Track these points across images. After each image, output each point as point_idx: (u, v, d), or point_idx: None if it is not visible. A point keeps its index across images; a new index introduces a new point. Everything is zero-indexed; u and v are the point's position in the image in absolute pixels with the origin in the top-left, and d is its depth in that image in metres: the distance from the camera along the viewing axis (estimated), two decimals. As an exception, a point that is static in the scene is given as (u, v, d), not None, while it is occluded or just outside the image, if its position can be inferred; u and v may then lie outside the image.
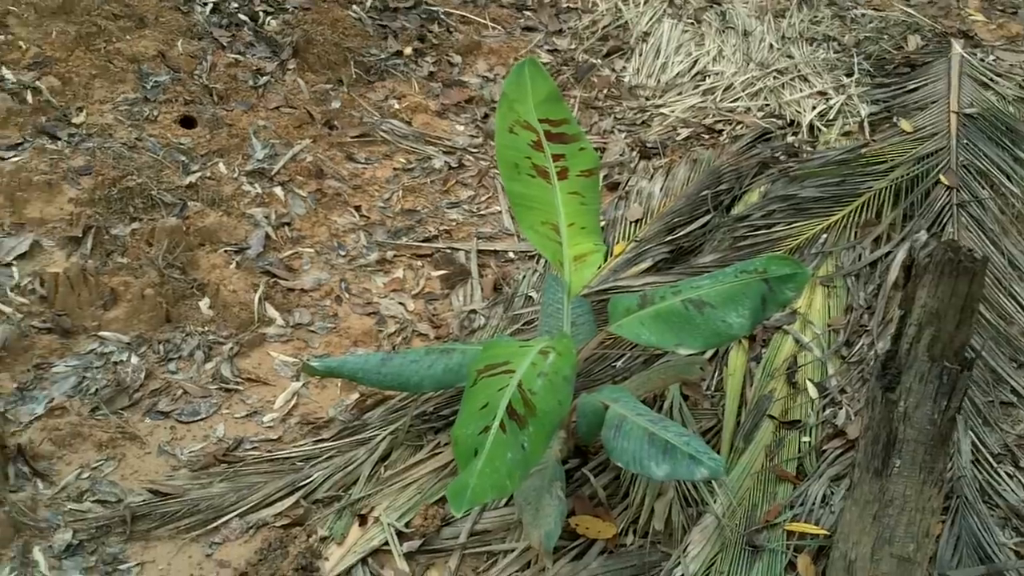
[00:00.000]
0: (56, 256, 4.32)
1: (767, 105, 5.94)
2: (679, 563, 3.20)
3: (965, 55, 6.06)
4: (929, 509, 2.92)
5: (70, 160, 4.73)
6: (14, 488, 3.48)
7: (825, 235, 4.67)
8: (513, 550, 3.33)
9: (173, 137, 5.12)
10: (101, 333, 4.09)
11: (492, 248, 4.93)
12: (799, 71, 6.28)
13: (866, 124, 5.62)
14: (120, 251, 4.36)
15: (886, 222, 4.71)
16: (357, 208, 5.06)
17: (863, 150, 5.23)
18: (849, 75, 6.22)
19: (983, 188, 4.88)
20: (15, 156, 4.69)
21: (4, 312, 4.02)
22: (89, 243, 4.35)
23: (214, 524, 3.45)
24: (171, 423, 3.85)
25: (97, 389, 3.88)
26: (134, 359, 4.02)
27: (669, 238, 4.68)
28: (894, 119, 5.58)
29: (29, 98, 5.00)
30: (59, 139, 4.87)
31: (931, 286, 2.73)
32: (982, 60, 6.12)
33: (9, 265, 4.23)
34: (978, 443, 3.70)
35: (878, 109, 5.79)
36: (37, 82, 5.09)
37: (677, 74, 6.39)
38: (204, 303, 4.29)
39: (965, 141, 5.16)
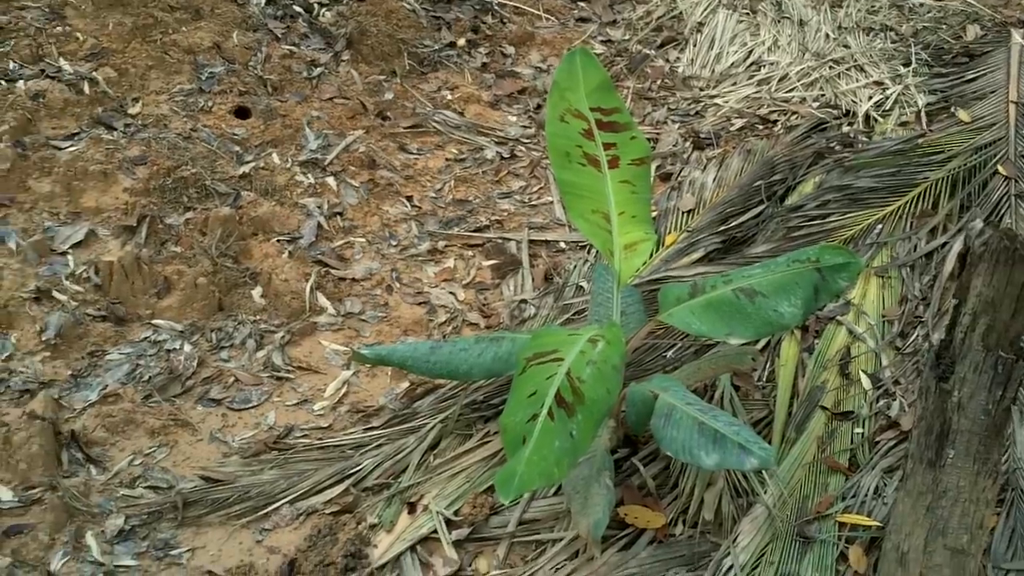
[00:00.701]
0: (111, 245, 4.36)
1: (822, 95, 5.89)
2: (729, 553, 3.17)
3: (1025, 44, 5.99)
4: (983, 500, 2.88)
5: (126, 150, 4.77)
6: (67, 474, 3.51)
7: (880, 225, 4.62)
8: (561, 539, 3.32)
9: (227, 128, 5.15)
10: (154, 321, 4.12)
11: (543, 238, 4.92)
12: (855, 61, 6.22)
13: (923, 114, 5.56)
14: (174, 240, 4.40)
15: (942, 213, 4.66)
16: (409, 198, 5.07)
17: (920, 140, 5.17)
18: (906, 65, 6.15)
19: (1042, 179, 4.82)
20: (72, 146, 4.73)
21: (59, 300, 4.07)
22: (144, 232, 4.39)
23: (264, 511, 3.47)
24: (223, 410, 3.87)
25: (150, 376, 3.91)
26: (187, 347, 4.05)
27: (721, 228, 4.65)
28: (952, 109, 5.51)
29: (86, 89, 5.06)
30: (115, 129, 4.92)
31: (986, 275, 2.69)
32: (1043, 49, 6.04)
33: (65, 254, 4.28)
34: (1034, 435, 3.65)
35: (935, 99, 5.73)
36: (94, 73, 5.14)
37: (731, 64, 6.36)
38: (256, 292, 4.31)
39: (1024, 131, 5.10)
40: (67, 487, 3.42)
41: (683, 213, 4.93)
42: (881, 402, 3.78)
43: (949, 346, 2.79)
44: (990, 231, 2.72)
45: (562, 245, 4.89)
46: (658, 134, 5.69)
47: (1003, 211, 4.60)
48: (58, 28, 5.32)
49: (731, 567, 3.12)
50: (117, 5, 5.50)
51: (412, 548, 3.32)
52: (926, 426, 2.88)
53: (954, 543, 2.90)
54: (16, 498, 3.36)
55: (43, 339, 3.92)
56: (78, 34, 5.32)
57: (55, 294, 4.08)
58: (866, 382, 3.87)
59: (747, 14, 6.83)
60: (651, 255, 4.34)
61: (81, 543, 3.30)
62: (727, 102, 5.98)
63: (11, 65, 5.07)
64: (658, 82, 6.24)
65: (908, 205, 4.71)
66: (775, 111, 5.82)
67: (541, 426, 2.73)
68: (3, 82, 4.95)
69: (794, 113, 5.76)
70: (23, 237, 4.27)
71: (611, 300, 3.47)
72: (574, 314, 4.26)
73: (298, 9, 6.10)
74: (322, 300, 4.38)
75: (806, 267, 3.21)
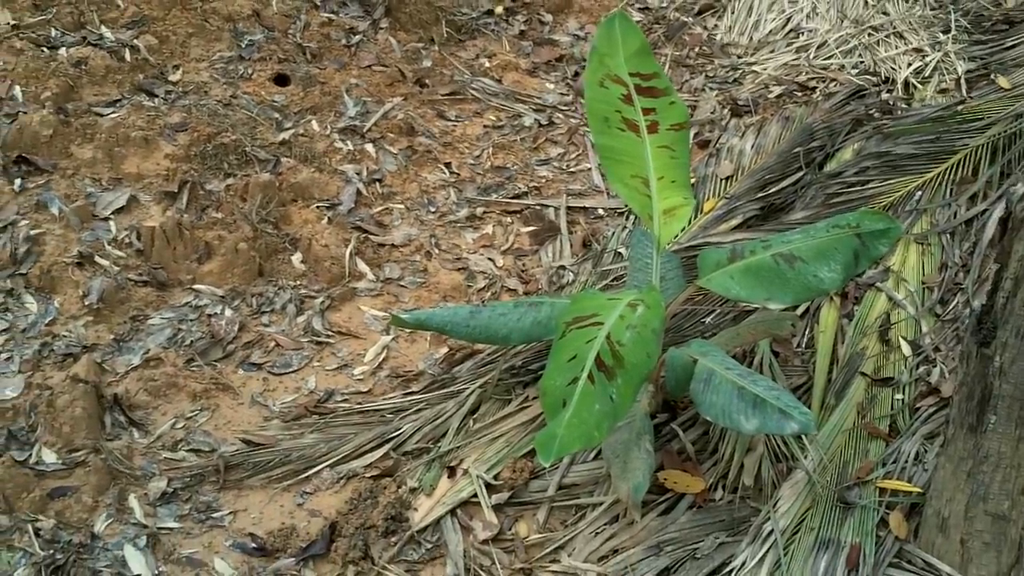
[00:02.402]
0: (152, 210, 4.39)
1: (861, 62, 5.85)
2: (769, 518, 3.18)
3: (1067, 10, 5.93)
4: (1024, 466, 2.89)
5: (167, 117, 4.80)
6: (111, 437, 3.55)
7: (920, 192, 4.60)
8: (601, 503, 3.34)
9: (267, 95, 5.17)
10: (196, 286, 4.15)
11: (581, 205, 4.92)
12: (894, 28, 6.17)
13: (963, 81, 5.51)
14: (215, 206, 4.42)
15: (982, 179, 4.62)
16: (447, 165, 5.08)
17: (959, 107, 5.13)
18: (946, 32, 6.10)
19: (1083, 145, 4.78)
20: (113, 113, 4.76)
21: (102, 265, 4.10)
22: (185, 198, 4.42)
23: (305, 474, 3.50)
24: (264, 375, 3.90)
25: (192, 341, 3.94)
26: (228, 312, 4.08)
27: (760, 195, 4.64)
28: (991, 76, 5.46)
29: (127, 56, 5.08)
30: (156, 96, 4.95)
31: (1028, 238, 2.68)
32: (1085, 15, 5.98)
33: (107, 219, 4.31)
34: (1075, 402, 3.63)
35: (975, 66, 5.68)
36: (135, 40, 5.17)
37: (769, 32, 6.32)
38: (296, 257, 4.34)
39: (1065, 97, 5.05)
40: (110, 450, 3.45)
41: (721, 180, 4.92)
42: (921, 368, 3.77)
43: (991, 311, 2.79)
44: (1033, 195, 2.71)
45: (600, 212, 4.88)
46: (696, 101, 5.68)
47: (1044, 177, 4.57)
48: (99, -4, 5.35)
49: (771, 532, 3.13)
50: (158, -27, 5.52)
51: (452, 512, 3.34)
52: (967, 391, 2.88)
53: (995, 509, 2.90)
54: (60, 461, 3.40)
55: (86, 304, 3.96)
56: (119, 2, 5.34)
57: (97, 259, 4.12)
58: (906, 348, 3.86)
59: (786, -20, 6.78)
60: (690, 221, 4.34)
61: (124, 505, 3.34)
62: (765, 69, 5.95)
63: (53, 32, 5.11)
64: (696, 49, 6.22)
65: (948, 172, 4.68)
66: (813, 78, 5.79)
67: (581, 389, 2.74)
68: (46, 49, 4.99)
69: (833, 80, 5.72)
70: (66, 203, 4.30)
71: (650, 265, 3.48)
72: (612, 280, 4.27)
73: (336, -24, 6.11)
74: (361, 266, 4.39)
75: (846, 232, 3.20)
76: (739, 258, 3.26)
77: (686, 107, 3.32)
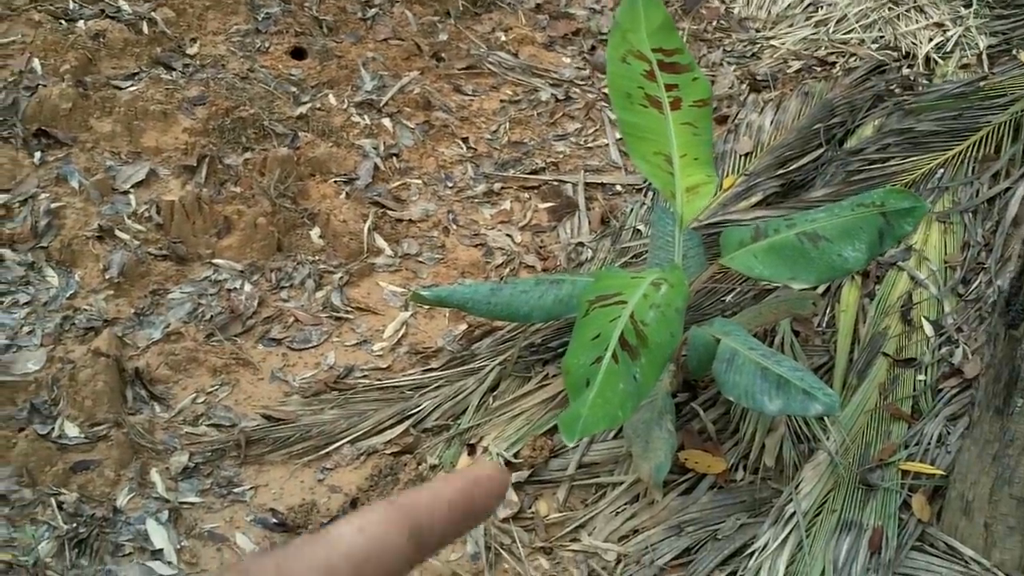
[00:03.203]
0: (172, 184, 4.38)
1: (882, 37, 5.81)
2: (791, 500, 3.17)
3: (1090, -14, 5.88)
4: (1050, 450, 2.88)
5: (185, 90, 4.79)
6: (132, 411, 3.55)
7: (942, 170, 4.57)
8: (622, 483, 3.34)
9: (284, 68, 5.16)
10: (215, 260, 4.15)
11: (599, 181, 4.90)
12: (915, 2, 6.13)
13: (985, 56, 5.48)
14: (233, 180, 4.41)
15: (1005, 157, 4.59)
16: (464, 140, 5.06)
17: (982, 83, 5.09)
18: (967, 6, 6.05)
19: (1106, 123, 4.75)
20: (132, 86, 4.75)
21: (122, 239, 4.10)
22: (203, 172, 4.40)
23: (326, 450, 3.51)
24: (283, 350, 3.90)
25: (212, 315, 3.94)
26: (247, 287, 4.08)
27: (780, 172, 4.61)
28: (1014, 51, 5.43)
29: (145, 29, 5.07)
30: (174, 70, 4.93)
31: (1059, 220, 2.67)
32: (1108, -9, 5.94)
33: (127, 193, 4.31)
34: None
35: (997, 41, 5.64)
36: (152, 13, 5.15)
37: (788, 5, 6.28)
38: (315, 232, 4.33)
39: (1088, 74, 5.02)
40: (132, 424, 3.46)
41: (740, 156, 4.89)
42: (943, 349, 3.76)
43: (1019, 292, 2.77)
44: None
45: (618, 188, 4.87)
46: (714, 76, 5.65)
47: (1066, 156, 4.54)
48: (115, -32, 5.33)
49: (793, 513, 3.13)
50: (174, -55, 5.50)
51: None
52: (994, 374, 2.87)
53: (1021, 492, 2.89)
54: (82, 434, 3.41)
55: (106, 277, 3.95)
56: (136, -26, 5.33)
57: (117, 233, 4.11)
58: (928, 329, 3.84)
59: (805, -46, 6.74)
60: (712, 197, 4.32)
61: (146, 479, 3.35)
62: (784, 44, 5.91)
63: (71, 5, 5.09)
64: (714, 23, 6.18)
65: (970, 149, 4.65)
66: (833, 53, 5.75)
67: (605, 368, 2.73)
68: (64, 22, 4.97)
69: (853, 55, 5.69)
70: (85, 176, 4.29)
71: (672, 243, 3.46)
72: (631, 257, 4.26)
73: (352, -52, 6.08)
74: (379, 241, 4.38)
75: (871, 211, 3.17)
76: (763, 237, 3.24)
77: (708, 83, 3.30)
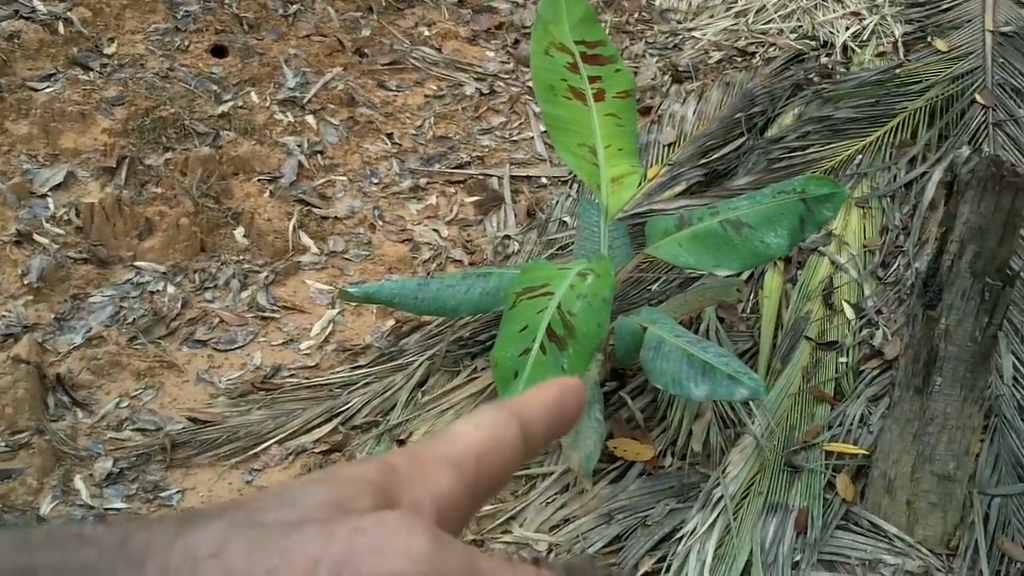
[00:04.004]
0: (91, 187, 4.33)
1: (800, 26, 5.87)
2: (718, 484, 3.21)
3: (1001, -27, 5.97)
4: (970, 427, 2.93)
5: (103, 91, 4.74)
6: (54, 417, 3.51)
7: (860, 156, 4.63)
8: (552, 473, 3.35)
9: (205, 67, 5.11)
10: (137, 263, 4.11)
11: (525, 174, 4.91)
12: (832, -8, 6.21)
13: (900, 44, 5.55)
14: (154, 181, 4.37)
15: (921, 142, 4.66)
16: (389, 135, 5.05)
17: (898, 70, 5.16)
18: (883, -5, 6.14)
19: (1019, 107, 4.82)
20: (48, 87, 4.69)
21: (41, 243, 4.05)
22: (123, 173, 4.36)
23: (253, 451, 3.49)
24: (208, 351, 3.87)
25: (134, 319, 3.90)
26: (170, 288, 4.04)
27: (703, 161, 4.64)
28: (928, 39, 5.50)
29: (61, 29, 5.00)
30: (91, 70, 4.87)
31: (974, 201, 2.71)
32: (1018, -23, 6.03)
33: (45, 196, 4.25)
34: (1018, 363, 3.68)
35: (912, 29, 5.71)
36: (68, 13, 5.08)
37: (709, -3, 6.34)
38: (239, 232, 4.30)
39: (1001, 60, 5.09)
40: (54, 431, 3.42)
41: (664, 147, 4.93)
42: (864, 331, 3.81)
43: (936, 274, 2.82)
44: (977, 158, 2.74)
45: (544, 180, 4.88)
46: (637, 68, 5.67)
47: (981, 140, 4.61)
48: (30, -32, 5.26)
49: (720, 497, 3.16)
50: (89, -56, 5.44)
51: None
52: (913, 354, 2.91)
53: (941, 469, 2.94)
54: (3, 443, 3.36)
55: (25, 283, 3.90)
56: (51, -27, 5.26)
57: (36, 237, 4.06)
58: (849, 312, 3.89)
59: (723, -55, 6.79)
60: (637, 187, 4.35)
61: (70, 487, 3.31)
62: (705, 35, 5.96)
63: (-16, 6, 5.02)
64: (635, 15, 6.21)
65: (887, 135, 4.72)
66: (753, 43, 5.80)
67: (533, 360, 2.74)
68: (-24, 24, 4.90)
69: (772, 45, 5.74)
70: (2, 180, 4.23)
71: (598, 234, 3.48)
72: (558, 249, 4.27)
73: (271, -54, 6.05)
74: (305, 239, 4.37)
75: (791, 198, 3.21)
76: (687, 225, 3.26)
77: (632, 74, 3.33)
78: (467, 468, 0.53)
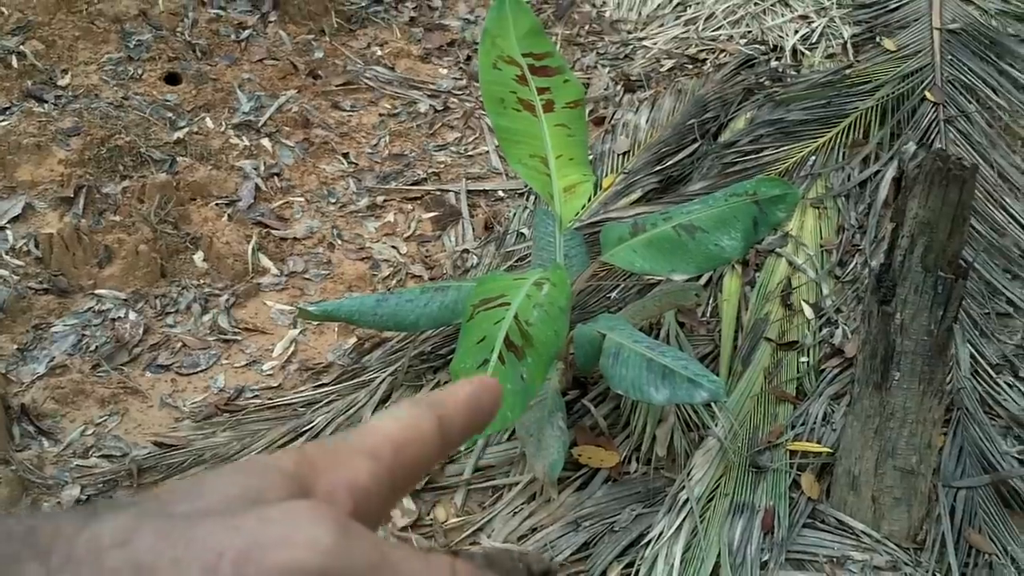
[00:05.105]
0: (49, 217, 4.32)
1: (749, 32, 5.92)
2: (683, 487, 3.22)
3: (946, -28, 6.04)
4: (930, 420, 2.96)
5: (58, 122, 4.73)
6: (20, 447, 3.50)
7: (814, 157, 4.67)
8: (518, 483, 3.36)
9: (159, 94, 5.11)
10: (98, 291, 4.10)
11: (481, 188, 4.93)
12: (780, -4, 6.26)
13: (849, 45, 5.61)
14: (112, 209, 4.36)
15: (874, 141, 4.71)
16: (345, 155, 5.06)
17: (847, 71, 5.22)
18: (831, -2, 6.20)
19: (969, 103, 4.88)
20: (3, 120, 4.68)
21: (1, 275, 4.04)
22: (81, 203, 4.35)
23: (220, 473, 3.47)
24: (172, 376, 3.87)
25: (97, 346, 3.90)
26: (132, 315, 4.04)
27: (658, 168, 4.67)
28: (877, 39, 5.56)
29: (14, 63, 4.99)
30: (46, 102, 4.87)
31: (922, 196, 2.75)
32: (963, -24, 6.10)
33: (3, 228, 4.24)
34: (976, 355, 3.73)
35: (860, 30, 5.77)
36: (21, 46, 5.07)
37: (658, 6, 6.37)
38: (198, 256, 4.30)
39: (949, 57, 5.15)
40: (20, 461, 3.41)
41: (619, 155, 4.96)
42: (824, 331, 3.85)
43: (889, 269, 2.85)
44: (924, 153, 2.78)
45: (500, 194, 4.90)
46: (589, 79, 5.71)
47: (933, 137, 4.66)
48: (-20, 3, 5.26)
49: (686, 501, 3.18)
50: (39, -24, 5.43)
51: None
52: (871, 350, 2.94)
53: (904, 464, 2.97)
54: (-31, 475, 3.35)
55: (-14, 315, 3.90)
56: (3, 8, 5.23)
57: (-5, 269, 4.06)
58: (808, 312, 3.93)
59: (671, -45, 6.84)
60: (590, 198, 4.37)
61: (38, 516, 3.29)
62: (655, 44, 6.00)
63: (-66, 42, 5.01)
64: (586, 27, 6.25)
65: (840, 136, 4.77)
66: (703, 50, 5.85)
67: (492, 370, 2.75)
68: (-73, 59, 4.89)
69: (722, 51, 5.78)
70: (-41, 214, 4.23)
71: (553, 244, 3.50)
72: (516, 260, 4.29)
73: (222, -29, 6.06)
74: (264, 261, 4.37)
75: (744, 200, 3.24)
76: (641, 232, 3.28)
77: (581, 85, 3.35)
78: (384, 458, 0.53)
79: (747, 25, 5.98)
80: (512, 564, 0.56)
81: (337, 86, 5.51)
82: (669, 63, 5.75)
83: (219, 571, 0.43)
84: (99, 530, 0.44)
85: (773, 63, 5.55)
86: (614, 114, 5.33)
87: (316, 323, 4.08)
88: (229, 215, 4.50)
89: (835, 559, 3.04)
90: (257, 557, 0.43)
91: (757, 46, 5.72)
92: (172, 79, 5.26)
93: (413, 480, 0.56)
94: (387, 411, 0.57)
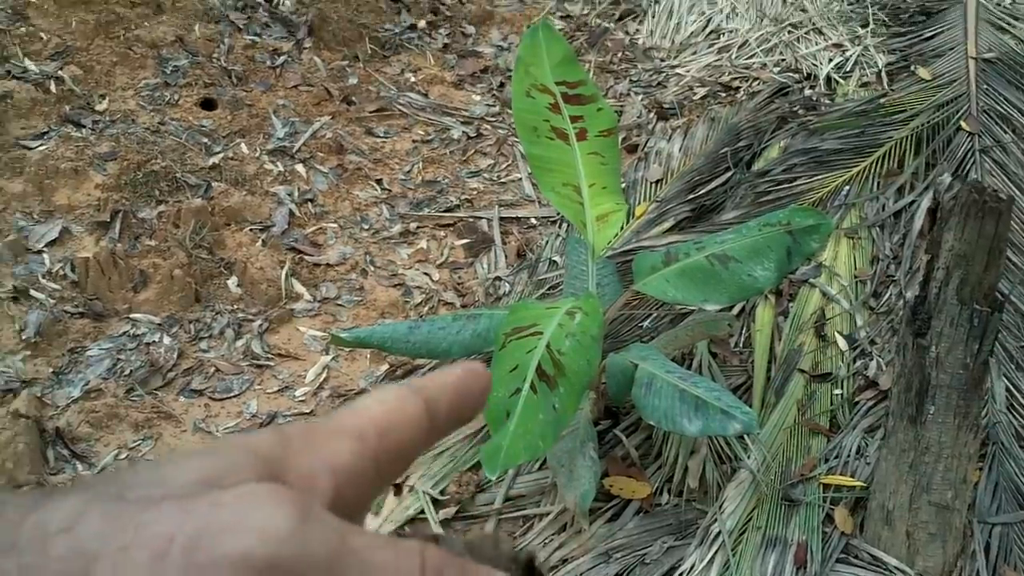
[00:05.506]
0: (86, 241, 4.35)
1: (783, 60, 5.92)
2: (715, 520, 3.21)
3: (981, 0, 6.02)
4: (965, 455, 2.93)
5: (95, 146, 4.77)
6: (54, 471, 3.51)
7: (848, 187, 4.66)
8: (548, 513, 3.35)
9: (195, 120, 5.15)
10: (133, 315, 4.12)
11: (514, 215, 4.94)
12: (813, 24, 6.25)
13: (884, 74, 5.60)
14: (148, 234, 4.39)
15: (908, 171, 4.70)
16: (378, 181, 5.07)
17: (882, 100, 5.21)
18: (864, 26, 6.19)
19: (1005, 132, 4.86)
20: (41, 145, 4.72)
21: (37, 298, 4.06)
22: (117, 227, 4.38)
23: (252, 499, 3.48)
24: (205, 401, 3.88)
25: (131, 370, 3.91)
26: (166, 339, 4.06)
27: (690, 197, 4.67)
28: (912, 68, 5.55)
29: (52, 88, 5.04)
30: (83, 126, 4.91)
31: (957, 228, 2.73)
32: (998, 4, 6.07)
33: (40, 252, 4.27)
34: (1012, 389, 3.69)
35: (895, 59, 5.76)
36: (60, 72, 5.13)
37: (691, 34, 6.38)
38: (232, 282, 4.32)
39: (985, 86, 5.13)
40: (54, 484, 3.41)
41: (651, 183, 4.95)
42: (858, 362, 3.83)
43: (924, 302, 2.83)
44: (959, 185, 2.76)
45: (533, 221, 4.90)
46: (622, 106, 5.71)
47: (968, 166, 4.64)
48: (22, 28, 5.29)
49: (718, 533, 3.16)
50: (79, 3, 5.47)
51: (400, 529, 3.33)
52: (905, 383, 2.92)
53: (939, 499, 2.95)
54: (4, 498, 3.36)
55: (23, 338, 3.91)
56: (42, 34, 5.29)
57: (33, 293, 4.08)
58: (842, 343, 3.91)
59: (705, -18, 6.85)
60: (622, 226, 4.36)
61: (71, 540, 3.30)
62: (688, 71, 6.00)
63: (-24, 69, 5.07)
64: (619, 54, 6.26)
65: (874, 165, 4.75)
66: (737, 78, 5.85)
67: (524, 400, 2.75)
68: (-32, 86, 4.94)
69: (756, 79, 5.78)
70: (-3, 238, 4.27)
71: (586, 272, 3.49)
72: (549, 289, 4.29)
73: (258, -2, 6.11)
74: (298, 287, 4.38)
75: (777, 230, 3.22)
76: (674, 261, 3.27)
77: (614, 113, 3.35)
78: (369, 440, 0.51)
79: (780, 53, 5.98)
80: (494, 552, 0.55)
81: (371, 112, 5.53)
82: (702, 91, 5.75)
83: (168, 558, 0.41)
84: (45, 516, 0.43)
85: (807, 91, 5.55)
86: (647, 142, 5.33)
87: (348, 349, 4.08)
88: (263, 240, 4.52)
89: (868, 593, 3.02)
90: (207, 544, 0.41)
91: (791, 74, 5.72)
92: (208, 104, 5.30)
93: (399, 466, 0.54)
94: (372, 394, 0.55)
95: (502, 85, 5.92)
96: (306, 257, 4.53)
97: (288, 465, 0.48)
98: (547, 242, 4.67)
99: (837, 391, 3.72)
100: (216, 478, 0.45)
